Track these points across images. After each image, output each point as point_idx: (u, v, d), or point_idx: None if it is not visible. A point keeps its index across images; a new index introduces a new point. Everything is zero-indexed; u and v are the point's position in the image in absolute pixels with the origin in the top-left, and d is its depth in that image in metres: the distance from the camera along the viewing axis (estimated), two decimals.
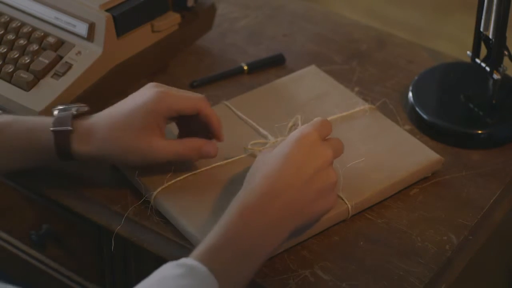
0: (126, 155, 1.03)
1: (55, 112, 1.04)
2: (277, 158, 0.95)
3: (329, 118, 1.14)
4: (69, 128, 1.02)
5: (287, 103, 1.18)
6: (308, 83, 1.22)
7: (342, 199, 1.04)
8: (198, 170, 1.08)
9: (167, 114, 1.03)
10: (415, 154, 1.11)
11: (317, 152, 0.95)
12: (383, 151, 1.11)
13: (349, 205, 1.04)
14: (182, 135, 1.09)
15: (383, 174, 1.08)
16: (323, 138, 0.98)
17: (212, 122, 1.05)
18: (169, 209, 1.04)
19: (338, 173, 1.00)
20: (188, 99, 1.04)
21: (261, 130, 1.13)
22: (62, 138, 1.02)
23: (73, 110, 1.04)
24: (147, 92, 1.03)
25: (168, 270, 0.89)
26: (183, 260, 0.89)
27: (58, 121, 1.02)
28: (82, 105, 1.05)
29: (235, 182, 1.07)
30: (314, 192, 0.94)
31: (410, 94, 1.22)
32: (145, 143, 1.02)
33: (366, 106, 1.18)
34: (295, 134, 0.97)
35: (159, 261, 1.06)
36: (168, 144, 1.03)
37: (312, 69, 1.25)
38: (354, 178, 1.07)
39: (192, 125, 1.07)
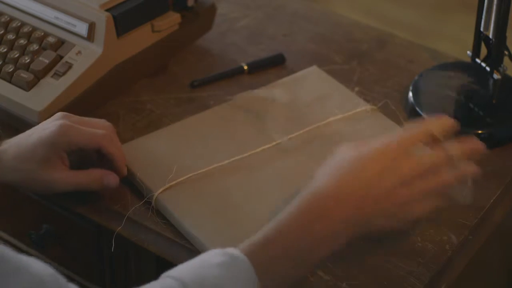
0: (30, 185, 1.05)
1: None
2: (352, 164, 0.91)
3: (330, 119, 1.14)
4: None
5: (288, 103, 1.18)
6: (310, 83, 1.22)
7: None
8: (200, 171, 1.08)
9: (67, 148, 1.04)
10: None
11: (393, 169, 0.91)
12: None
13: None
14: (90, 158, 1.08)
15: None
16: (412, 146, 0.93)
17: (113, 160, 1.06)
18: (170, 210, 1.04)
19: None
20: (90, 137, 1.04)
21: (268, 130, 1.13)
22: None
23: None
24: (51, 125, 1.04)
25: (211, 256, 0.88)
26: (229, 249, 0.88)
27: None
28: None
29: (238, 183, 1.07)
30: (381, 209, 0.91)
31: (410, 94, 1.22)
32: (47, 175, 1.04)
33: (367, 107, 1.17)
34: (378, 143, 0.92)
35: (159, 261, 1.06)
36: (69, 175, 1.05)
37: (313, 69, 1.25)
38: None
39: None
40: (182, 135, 1.13)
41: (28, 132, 1.06)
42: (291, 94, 1.20)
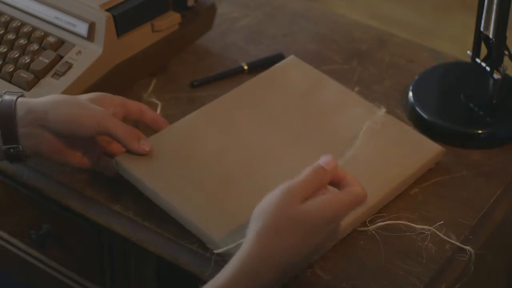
0: (62, 115, 1.04)
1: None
2: (279, 226, 0.91)
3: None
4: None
5: (282, 97, 1.16)
6: (296, 77, 1.19)
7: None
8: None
9: (112, 110, 1.06)
10: (417, 148, 1.10)
11: (313, 236, 0.93)
12: (387, 148, 1.10)
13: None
14: None
15: (391, 172, 1.07)
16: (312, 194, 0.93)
17: (157, 120, 1.11)
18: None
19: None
20: (130, 101, 1.09)
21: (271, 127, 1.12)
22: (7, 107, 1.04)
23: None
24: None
25: None
26: None
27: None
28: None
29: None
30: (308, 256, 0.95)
31: (410, 94, 1.22)
32: (88, 103, 1.05)
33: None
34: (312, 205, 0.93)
35: (159, 261, 1.06)
36: (111, 116, 1.06)
37: (292, 59, 1.22)
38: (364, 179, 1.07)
39: None
40: (187, 131, 1.13)
41: None
42: (280, 89, 1.18)
